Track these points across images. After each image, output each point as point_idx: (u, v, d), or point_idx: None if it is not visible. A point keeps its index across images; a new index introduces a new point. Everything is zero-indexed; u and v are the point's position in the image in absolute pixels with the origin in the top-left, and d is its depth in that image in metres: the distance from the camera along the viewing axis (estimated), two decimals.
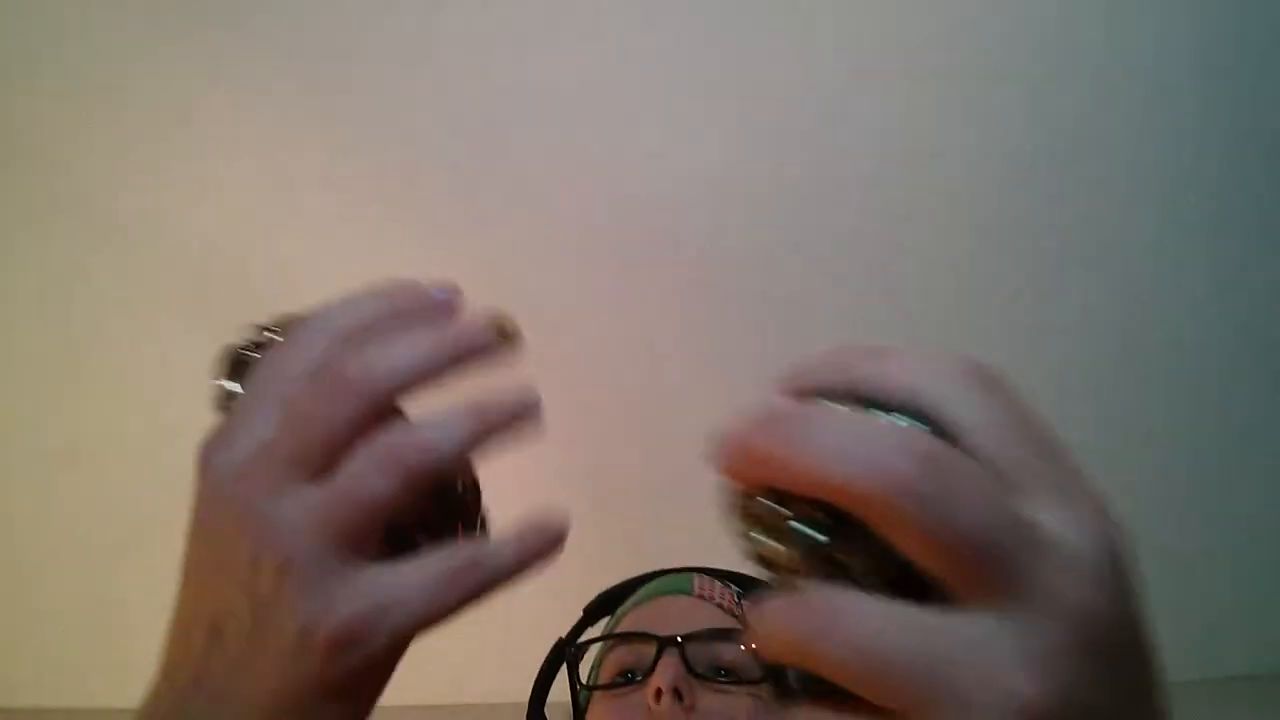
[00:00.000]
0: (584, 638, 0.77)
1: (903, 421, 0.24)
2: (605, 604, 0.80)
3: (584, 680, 0.73)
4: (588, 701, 0.72)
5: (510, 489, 1.57)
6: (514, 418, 0.33)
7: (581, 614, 0.79)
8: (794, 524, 0.24)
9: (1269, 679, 1.79)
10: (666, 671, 0.66)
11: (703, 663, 0.68)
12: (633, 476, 1.68)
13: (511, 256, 1.51)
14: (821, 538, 0.23)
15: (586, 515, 1.74)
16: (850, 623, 0.22)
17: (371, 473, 0.28)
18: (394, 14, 1.34)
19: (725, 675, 0.68)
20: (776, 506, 0.24)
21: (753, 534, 0.25)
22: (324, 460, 0.29)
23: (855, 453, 0.22)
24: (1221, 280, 1.54)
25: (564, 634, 0.77)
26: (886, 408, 0.24)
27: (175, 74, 1.37)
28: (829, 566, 0.23)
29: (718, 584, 0.78)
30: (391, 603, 0.28)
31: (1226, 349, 1.59)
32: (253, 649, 0.28)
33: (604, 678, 0.71)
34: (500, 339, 0.33)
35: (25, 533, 1.66)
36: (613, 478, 1.68)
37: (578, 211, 1.48)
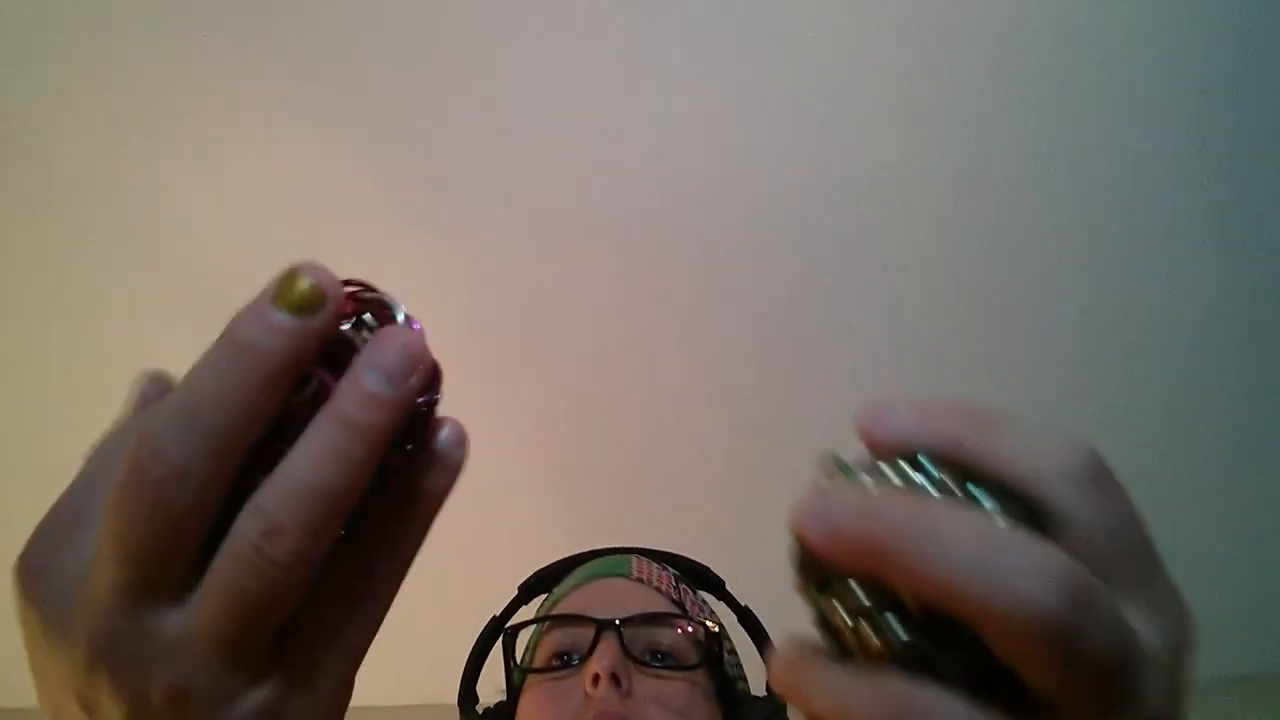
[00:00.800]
0: (518, 616, 0.76)
1: (1007, 508, 0.23)
2: (541, 583, 0.79)
3: (519, 661, 0.73)
4: (522, 683, 0.72)
5: (511, 487, 1.56)
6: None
7: (516, 591, 0.79)
8: (890, 617, 0.22)
9: (1269, 679, 1.79)
10: (604, 656, 0.65)
11: (640, 647, 0.67)
12: (633, 477, 1.68)
13: (512, 257, 1.50)
14: (918, 639, 0.22)
15: (587, 516, 1.75)
16: None
17: (248, 564, 0.23)
18: (395, 14, 1.34)
19: (662, 660, 0.68)
20: (869, 595, 0.23)
21: (834, 611, 0.23)
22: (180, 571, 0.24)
23: (994, 573, 0.20)
24: (1225, 280, 1.54)
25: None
26: (992, 487, 0.23)
27: (175, 72, 1.37)
28: (914, 661, 0.22)
29: (655, 566, 0.77)
30: None
31: (1228, 348, 1.59)
32: None
33: (540, 660, 0.71)
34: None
35: (23, 534, 1.66)
36: (614, 477, 1.68)
37: (578, 211, 1.48)
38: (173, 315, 1.52)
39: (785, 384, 1.60)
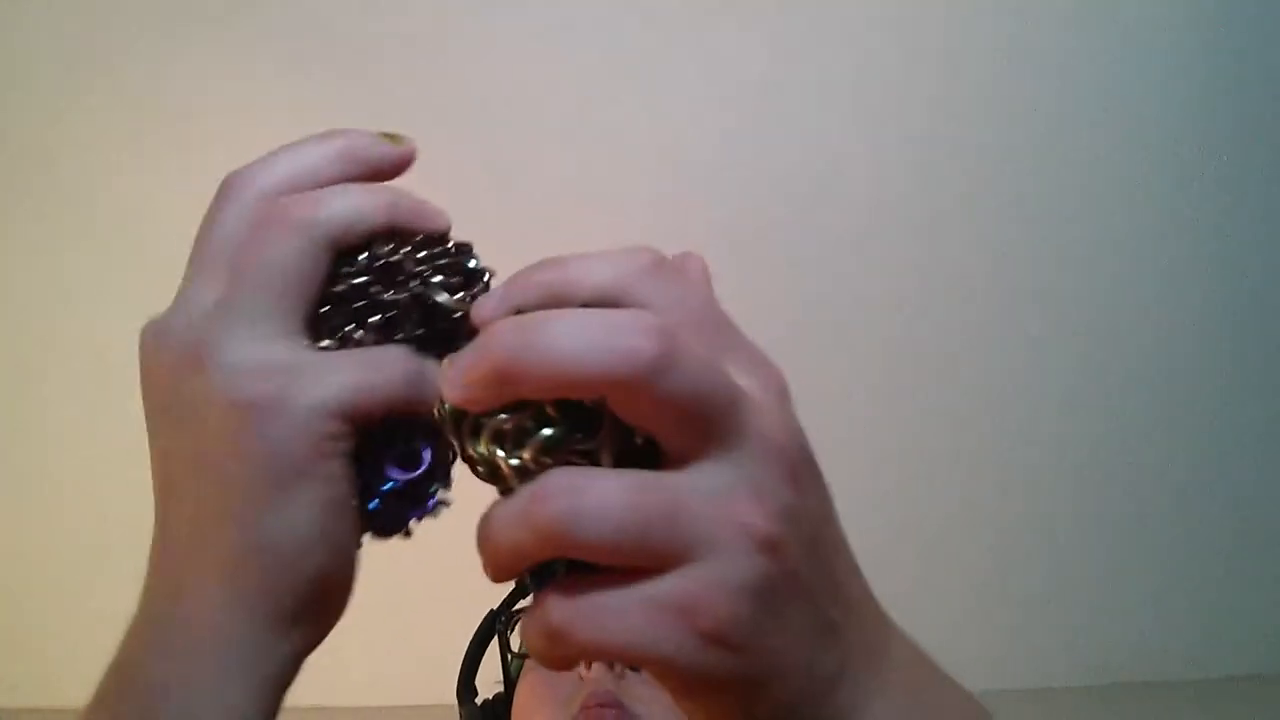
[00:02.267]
0: (517, 607, 0.77)
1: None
2: (542, 575, 0.79)
3: (515, 650, 0.73)
4: (519, 671, 0.73)
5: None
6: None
7: (514, 584, 0.79)
8: (529, 423, 0.25)
9: (1269, 679, 1.78)
10: None
11: None
12: None
13: (513, 258, 1.50)
14: (559, 430, 0.24)
15: None
16: (595, 495, 0.23)
17: (275, 233, 0.27)
18: (396, 13, 1.34)
19: None
20: (513, 414, 0.25)
21: (489, 450, 0.25)
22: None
23: (601, 341, 0.23)
24: (1225, 279, 1.54)
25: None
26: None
27: (174, 72, 1.37)
28: (567, 460, 0.25)
29: None
30: (309, 369, 0.27)
31: (1228, 347, 1.59)
32: (195, 468, 0.27)
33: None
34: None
35: (14, 533, 1.66)
36: None
37: (579, 211, 1.48)
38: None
39: (791, 383, 1.59)
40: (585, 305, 0.25)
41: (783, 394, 0.26)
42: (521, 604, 0.77)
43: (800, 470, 0.25)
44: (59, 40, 1.34)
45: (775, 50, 1.37)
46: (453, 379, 0.25)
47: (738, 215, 1.48)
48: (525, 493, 0.24)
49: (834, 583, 0.26)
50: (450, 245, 0.33)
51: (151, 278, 1.68)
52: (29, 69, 1.37)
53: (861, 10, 1.35)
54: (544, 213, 1.48)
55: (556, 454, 0.25)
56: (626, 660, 0.25)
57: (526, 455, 0.25)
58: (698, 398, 0.23)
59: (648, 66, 1.39)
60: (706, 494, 0.24)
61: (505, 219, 1.49)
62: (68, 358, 1.58)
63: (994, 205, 1.48)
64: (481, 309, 0.28)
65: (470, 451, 0.26)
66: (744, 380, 0.25)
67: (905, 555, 1.64)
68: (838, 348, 1.57)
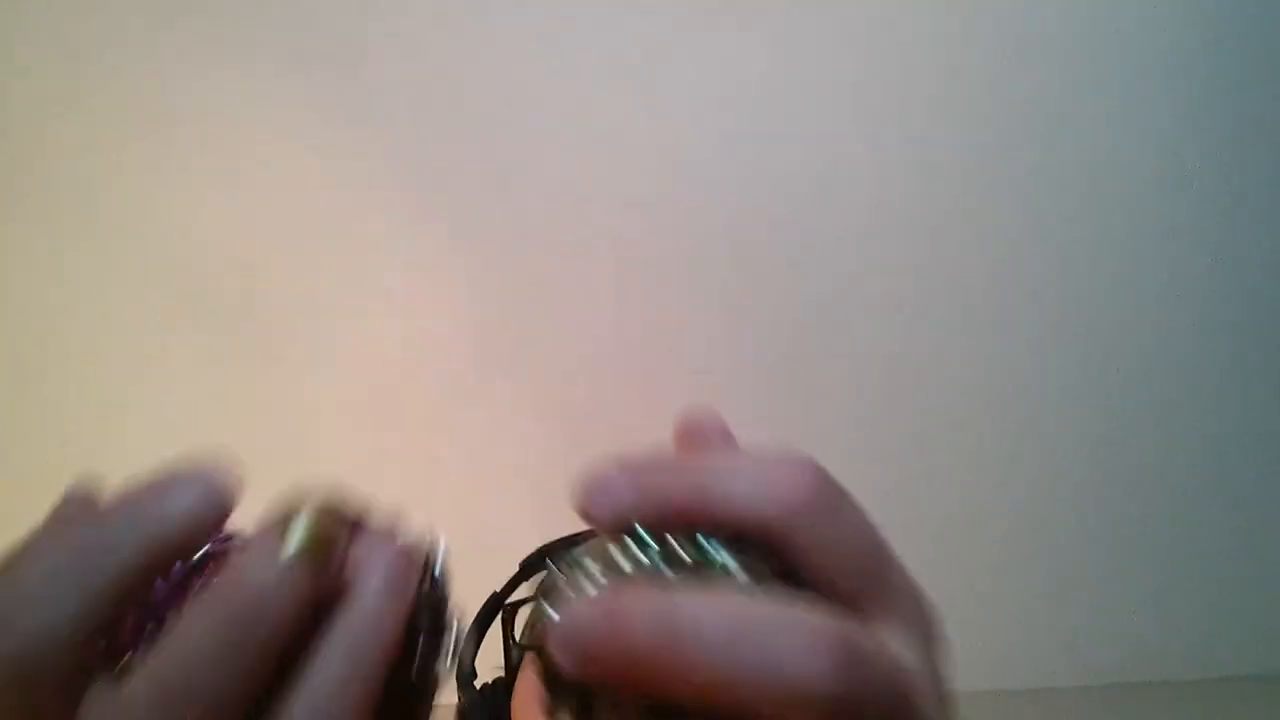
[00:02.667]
0: (520, 593, 0.77)
1: (746, 558, 0.22)
2: (542, 559, 0.79)
3: (517, 639, 0.73)
4: (520, 660, 0.72)
5: (508, 488, 1.56)
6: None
7: (518, 568, 0.79)
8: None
9: (1269, 679, 1.78)
10: None
11: None
12: None
13: (513, 257, 1.50)
14: None
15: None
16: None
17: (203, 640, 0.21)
18: (396, 14, 1.34)
19: None
20: (638, 711, 0.21)
21: None
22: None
23: (758, 661, 0.19)
24: (1225, 279, 1.54)
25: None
26: (726, 536, 0.22)
27: (174, 71, 1.37)
28: None
29: None
30: None
31: (1228, 347, 1.59)
32: None
33: (539, 638, 0.70)
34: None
35: (22, 532, 1.66)
36: None
37: (579, 211, 1.48)
38: (175, 315, 1.52)
39: (786, 379, 1.59)
40: (724, 530, 0.22)
41: (935, 647, 0.23)
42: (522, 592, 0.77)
43: None
44: (59, 40, 1.34)
45: (775, 50, 1.37)
46: (570, 642, 0.21)
47: (738, 215, 1.48)
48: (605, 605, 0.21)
49: None
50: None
51: (152, 277, 1.68)
52: (29, 69, 1.37)
53: (862, 10, 1.35)
54: (543, 212, 1.48)
55: None
56: None
57: None
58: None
59: (648, 66, 1.39)
60: None
61: (504, 218, 1.49)
62: (68, 358, 1.58)
63: (994, 206, 1.48)
64: (598, 506, 0.24)
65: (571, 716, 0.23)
66: (907, 651, 0.22)
67: (905, 555, 1.64)
68: (837, 348, 1.57)
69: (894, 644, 0.22)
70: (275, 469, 1.70)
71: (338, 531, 0.24)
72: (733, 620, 0.20)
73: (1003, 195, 1.47)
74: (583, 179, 1.45)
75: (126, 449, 1.62)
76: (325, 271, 1.50)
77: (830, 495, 0.23)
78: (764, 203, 1.47)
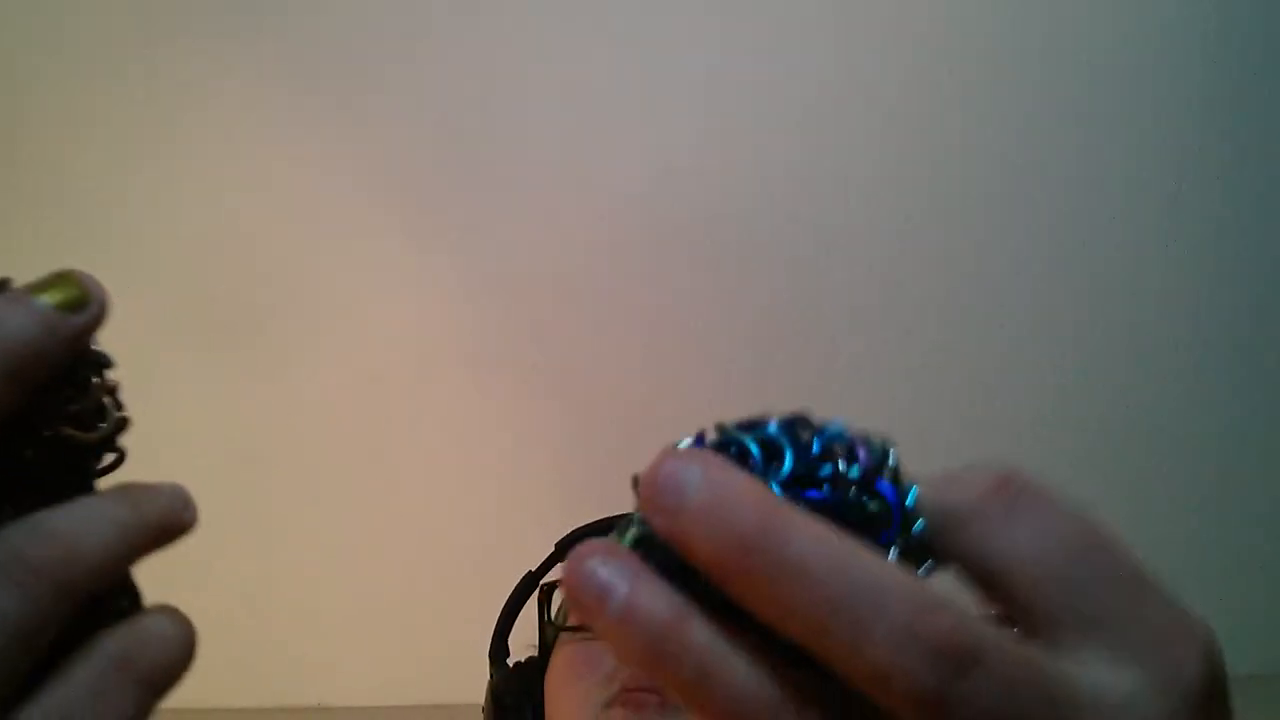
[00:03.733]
0: (555, 574, 0.76)
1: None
2: (579, 541, 0.79)
3: (552, 618, 0.73)
4: (554, 640, 0.72)
5: (506, 488, 1.56)
6: (172, 519, 0.25)
7: (554, 548, 0.78)
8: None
9: (1269, 679, 1.78)
10: None
11: None
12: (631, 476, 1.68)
13: (514, 257, 1.50)
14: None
15: (586, 517, 1.74)
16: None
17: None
18: (396, 14, 1.34)
19: None
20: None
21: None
22: None
23: (857, 626, 0.17)
24: (1226, 279, 1.54)
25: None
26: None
27: (175, 72, 1.37)
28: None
29: None
30: None
31: (1230, 347, 1.59)
32: None
33: (575, 618, 0.71)
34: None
35: None
36: (612, 477, 1.68)
37: (580, 211, 1.48)
38: (178, 317, 1.52)
39: (784, 378, 1.59)
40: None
41: (1188, 681, 0.19)
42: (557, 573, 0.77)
43: None
44: (64, 48, 1.34)
45: (775, 49, 1.37)
46: (668, 504, 0.19)
47: (733, 216, 1.48)
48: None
49: None
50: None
51: (155, 280, 1.69)
52: (35, 76, 1.37)
53: (862, 10, 1.35)
54: (543, 212, 1.48)
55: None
56: None
57: None
58: None
59: (647, 65, 1.39)
60: None
61: (504, 218, 1.49)
62: None
63: (995, 205, 1.48)
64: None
65: None
66: (1102, 673, 0.18)
67: None
68: (836, 347, 1.57)
69: (1079, 672, 0.18)
70: (276, 469, 1.72)
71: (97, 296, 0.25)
72: (836, 562, 0.18)
73: (1003, 195, 1.47)
74: (582, 176, 1.45)
75: (126, 449, 1.62)
76: (326, 272, 1.50)
77: (1017, 490, 0.20)
78: (757, 196, 1.47)
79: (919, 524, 0.20)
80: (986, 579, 0.20)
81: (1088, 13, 1.35)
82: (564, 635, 0.71)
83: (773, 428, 0.21)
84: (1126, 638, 0.19)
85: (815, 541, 0.18)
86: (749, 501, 0.18)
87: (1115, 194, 1.47)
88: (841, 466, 0.20)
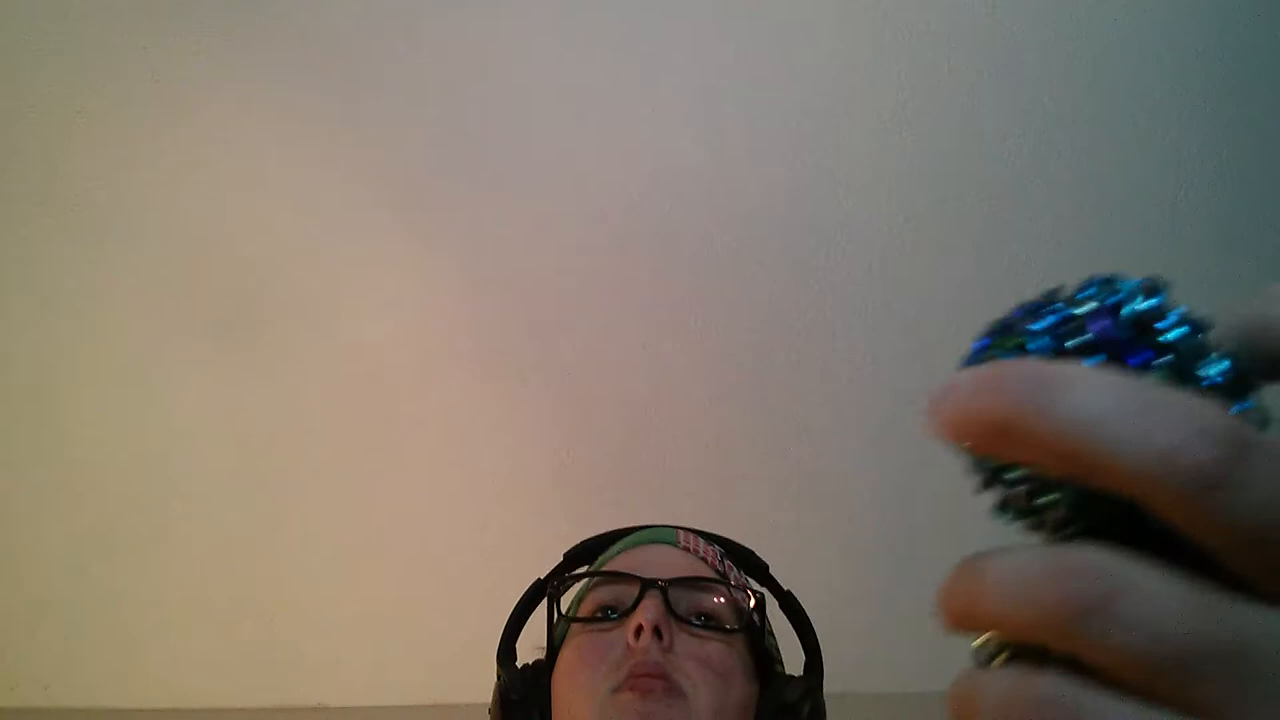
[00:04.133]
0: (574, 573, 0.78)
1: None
2: (587, 551, 0.81)
3: (564, 613, 0.74)
4: (564, 635, 0.74)
5: (508, 489, 1.56)
6: None
7: (562, 558, 0.80)
8: (1046, 505, 0.21)
9: None
10: (649, 609, 0.67)
11: (684, 607, 0.70)
12: (631, 477, 1.68)
13: (514, 257, 1.50)
14: (1082, 524, 0.20)
15: (586, 518, 1.74)
16: (1136, 603, 0.18)
17: None
18: (398, 14, 1.34)
19: (704, 621, 0.70)
20: (1025, 481, 0.21)
21: (1011, 509, 0.22)
22: None
23: (1131, 428, 0.18)
24: (1227, 278, 1.54)
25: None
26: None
27: (175, 72, 1.37)
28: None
29: (701, 540, 0.80)
30: None
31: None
32: None
33: (584, 613, 0.73)
34: None
35: (23, 531, 1.66)
36: (612, 477, 1.68)
37: (579, 211, 1.48)
38: (180, 317, 1.52)
39: (784, 378, 1.59)
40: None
41: None
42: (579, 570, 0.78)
43: None
44: (69, 49, 1.34)
45: (774, 49, 1.37)
46: (941, 406, 0.21)
47: (733, 216, 1.48)
48: (1049, 560, 0.19)
49: None
50: None
51: (158, 279, 1.69)
52: (39, 77, 1.37)
53: (862, 10, 1.35)
54: (543, 212, 1.48)
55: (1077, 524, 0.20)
56: None
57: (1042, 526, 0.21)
58: (1264, 522, 0.18)
59: (647, 65, 1.39)
60: None
61: (504, 219, 1.49)
62: (72, 357, 1.58)
63: (995, 205, 1.48)
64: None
65: (995, 492, 0.22)
66: None
67: (906, 556, 1.64)
68: (836, 348, 1.57)
69: None
70: (276, 468, 1.72)
71: None
72: (1114, 389, 0.19)
73: (1003, 195, 1.47)
74: (580, 180, 1.45)
75: (128, 449, 1.62)
76: (326, 272, 1.50)
77: (1235, 448, 0.18)
78: (758, 201, 1.47)
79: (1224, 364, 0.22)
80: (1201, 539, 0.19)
81: (1088, 13, 1.35)
82: (574, 627, 0.72)
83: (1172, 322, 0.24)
84: None
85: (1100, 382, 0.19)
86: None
87: (1115, 194, 1.47)
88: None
